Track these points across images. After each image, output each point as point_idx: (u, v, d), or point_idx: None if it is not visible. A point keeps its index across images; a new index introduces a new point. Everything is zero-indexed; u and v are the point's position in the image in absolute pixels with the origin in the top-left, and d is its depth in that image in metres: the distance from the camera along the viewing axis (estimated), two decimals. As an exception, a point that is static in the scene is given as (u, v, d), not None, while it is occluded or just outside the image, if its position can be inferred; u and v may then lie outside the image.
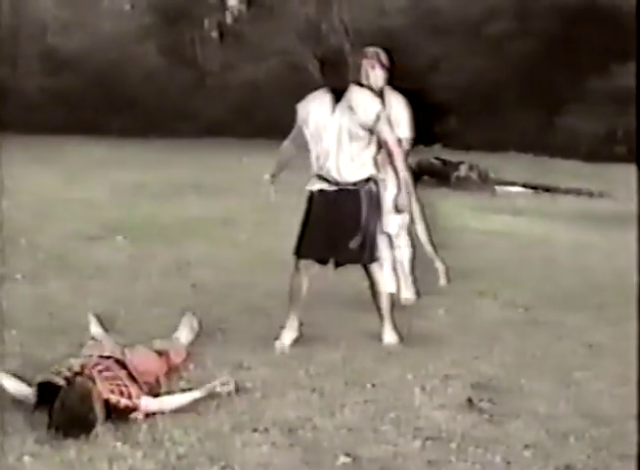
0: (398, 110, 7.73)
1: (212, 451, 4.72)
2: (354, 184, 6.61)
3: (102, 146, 25.99)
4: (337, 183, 6.61)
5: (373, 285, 6.90)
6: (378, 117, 6.56)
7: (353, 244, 6.59)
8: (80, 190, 15.90)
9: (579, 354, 6.76)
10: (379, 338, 6.89)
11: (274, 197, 6.97)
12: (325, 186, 6.64)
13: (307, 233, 6.69)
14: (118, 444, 4.76)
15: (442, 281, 8.51)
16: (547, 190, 19.71)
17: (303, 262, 6.73)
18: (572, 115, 28.92)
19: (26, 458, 4.56)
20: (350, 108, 6.51)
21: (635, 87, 24.07)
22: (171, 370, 5.88)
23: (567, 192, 19.66)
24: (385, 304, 6.94)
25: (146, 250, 10.51)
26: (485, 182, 19.77)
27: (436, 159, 22.28)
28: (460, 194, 18.33)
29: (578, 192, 19.72)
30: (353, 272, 7.15)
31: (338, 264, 6.88)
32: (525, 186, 19.77)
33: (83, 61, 34.23)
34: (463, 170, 20.35)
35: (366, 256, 6.73)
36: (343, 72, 6.59)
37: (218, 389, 5.49)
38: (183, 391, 5.51)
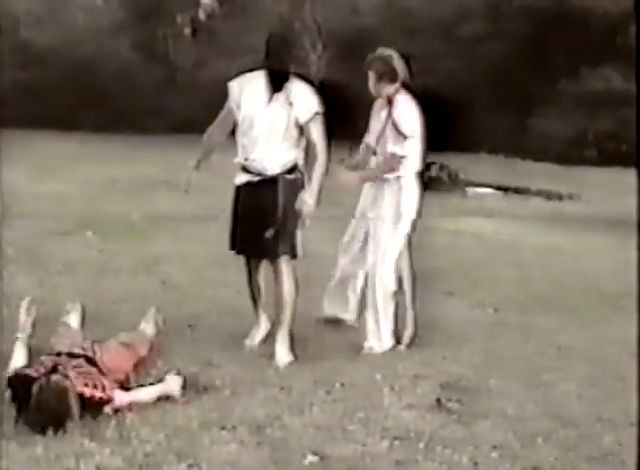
0: (406, 121, 6.81)
1: (180, 449, 4.71)
2: (276, 175, 6.38)
3: (73, 141, 25.85)
4: (259, 174, 6.37)
5: (277, 286, 6.49)
6: (313, 117, 6.37)
7: (268, 233, 6.33)
8: (51, 185, 15.81)
9: (548, 356, 6.79)
10: (348, 338, 6.89)
11: (193, 185, 6.54)
12: (250, 178, 6.41)
13: (238, 228, 6.50)
14: (86, 440, 4.74)
15: (405, 340, 6.93)
16: (517, 192, 19.80)
17: (247, 258, 6.64)
18: (543, 117, 29.04)
19: (-8, 455, 4.53)
20: (289, 102, 6.29)
21: (635, 92, 24.14)
22: (139, 363, 5.85)
23: (537, 194, 19.76)
24: (287, 309, 6.49)
25: (116, 246, 10.46)
26: (456, 183, 19.82)
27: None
28: (430, 194, 18.35)
29: (548, 194, 19.83)
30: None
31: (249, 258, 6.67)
32: (495, 188, 19.84)
33: (56, 55, 34.03)
34: (434, 171, 20.37)
35: (280, 248, 6.41)
36: (286, 61, 6.33)
37: (171, 388, 5.46)
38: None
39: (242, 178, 6.46)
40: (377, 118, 6.93)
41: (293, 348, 6.48)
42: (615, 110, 28.31)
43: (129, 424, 4.98)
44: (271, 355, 6.37)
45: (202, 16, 41.54)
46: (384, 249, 6.77)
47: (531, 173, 22.73)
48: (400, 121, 6.73)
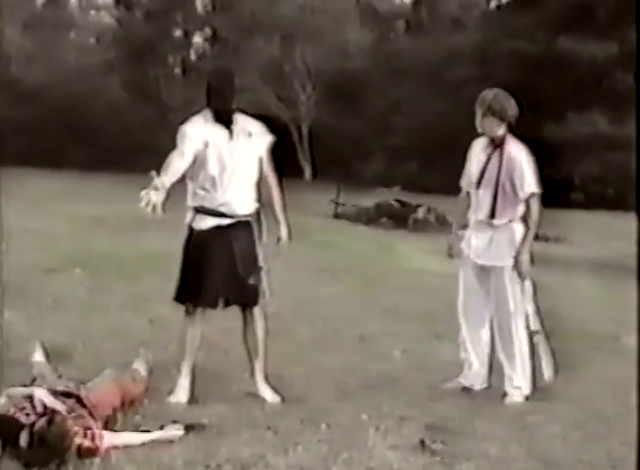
0: (518, 164, 6.68)
1: (165, 487, 4.72)
2: (247, 216, 6.25)
3: (62, 178, 25.93)
4: (232, 216, 6.20)
5: (254, 330, 6.42)
6: (268, 148, 6.33)
7: (252, 280, 6.23)
8: (40, 222, 15.82)
9: (533, 398, 6.81)
10: (336, 376, 6.90)
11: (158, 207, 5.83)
12: (219, 221, 6.19)
13: (203, 275, 6.19)
14: (71, 478, 4.75)
15: (547, 375, 6.88)
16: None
17: (199, 309, 6.34)
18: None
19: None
20: (249, 134, 6.22)
21: (635, 134, 24.29)
22: (128, 402, 5.86)
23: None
24: (263, 351, 6.46)
25: (104, 283, 10.48)
26: (443, 225, 19.92)
27: (396, 200, 22.44)
28: (418, 236, 18.44)
29: (535, 236, 19.90)
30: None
31: (227, 305, 6.40)
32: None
33: (46, 92, 34.22)
34: (421, 213, 20.51)
35: (260, 293, 6.32)
36: (230, 96, 6.22)
37: (170, 435, 5.46)
38: (138, 426, 5.50)
39: (207, 222, 6.20)
40: (479, 160, 6.82)
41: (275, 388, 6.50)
42: (601, 153, 28.53)
43: (114, 462, 4.99)
44: (256, 395, 6.39)
45: (193, 56, 41.81)
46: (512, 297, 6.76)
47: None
48: (513, 165, 6.64)
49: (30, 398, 5.17)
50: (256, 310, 6.40)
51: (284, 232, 6.43)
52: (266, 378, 6.50)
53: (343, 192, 23.93)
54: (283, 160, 6.58)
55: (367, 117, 33.58)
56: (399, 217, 20.91)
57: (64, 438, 4.88)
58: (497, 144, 6.72)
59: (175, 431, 5.45)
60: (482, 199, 6.75)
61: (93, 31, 41.64)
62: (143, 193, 5.78)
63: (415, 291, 10.50)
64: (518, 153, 6.69)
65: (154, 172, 5.88)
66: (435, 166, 30.46)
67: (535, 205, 6.75)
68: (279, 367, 6.89)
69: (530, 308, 6.85)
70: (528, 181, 6.67)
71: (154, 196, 5.78)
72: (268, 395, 6.42)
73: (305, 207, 18.40)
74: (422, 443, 5.58)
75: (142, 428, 5.51)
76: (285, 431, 5.70)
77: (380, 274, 12.67)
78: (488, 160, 6.74)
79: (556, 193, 27.92)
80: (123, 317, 8.79)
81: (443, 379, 7.04)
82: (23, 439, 4.85)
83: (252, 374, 6.52)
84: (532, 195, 6.70)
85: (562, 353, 8.27)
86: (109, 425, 5.37)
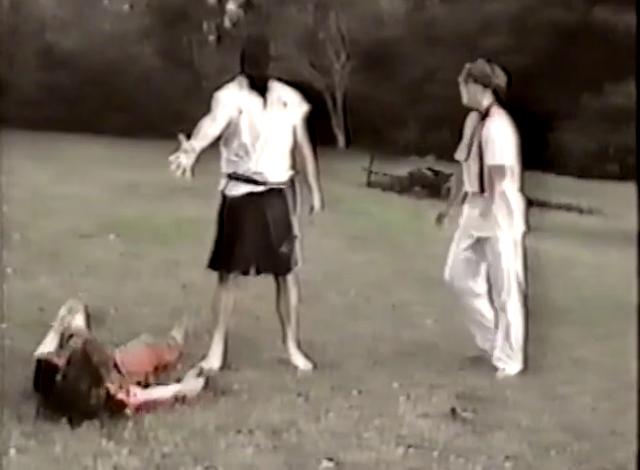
0: (490, 136, 6.55)
1: (197, 451, 4.75)
2: (281, 184, 6.25)
3: (98, 144, 26.02)
4: (264, 183, 6.19)
5: (287, 297, 6.43)
6: (303, 117, 6.32)
7: (285, 248, 6.25)
8: (75, 187, 15.91)
9: (564, 369, 6.81)
10: (368, 344, 6.91)
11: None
12: (252, 188, 6.20)
13: (237, 242, 6.19)
14: (104, 440, 4.78)
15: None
16: (537, 204, 19.77)
17: (232, 276, 6.36)
18: (565, 131, 29.01)
19: (12, 452, 4.57)
20: (284, 103, 6.21)
21: (635, 105, 24.10)
22: (162, 367, 5.90)
23: (557, 207, 19.74)
24: (295, 318, 6.47)
25: (137, 249, 10.54)
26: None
27: (429, 169, 22.33)
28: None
29: (569, 208, 19.81)
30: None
31: (259, 273, 6.40)
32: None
33: (81, 59, 34.26)
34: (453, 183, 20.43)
35: (292, 261, 6.35)
36: (265, 64, 6.20)
37: (192, 386, 5.53)
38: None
39: (240, 189, 6.21)
40: (468, 133, 6.76)
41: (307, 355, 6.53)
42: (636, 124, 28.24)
43: (147, 425, 5.03)
44: (287, 362, 6.43)
45: (227, 23, 41.72)
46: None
47: (552, 187, 22.69)
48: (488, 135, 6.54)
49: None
50: (289, 278, 6.41)
51: (317, 201, 6.43)
52: (298, 345, 6.53)
53: (377, 160, 23.84)
54: (317, 127, 6.55)
55: (401, 86, 33.40)
56: (432, 186, 20.81)
57: (99, 354, 5.06)
58: (483, 116, 6.63)
59: (196, 383, 5.55)
60: (472, 172, 6.68)
61: (127, -2, 41.67)
62: (172, 157, 5.81)
63: (445, 260, 10.44)
64: (495, 124, 6.55)
65: (182, 136, 5.88)
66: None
67: (495, 178, 6.53)
68: (311, 334, 6.92)
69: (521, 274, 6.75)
70: (490, 153, 6.52)
71: (184, 159, 5.82)
72: (300, 361, 6.44)
73: (338, 175, 18.37)
74: (453, 411, 5.59)
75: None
76: (316, 397, 5.73)
77: (412, 243, 12.65)
78: (474, 133, 6.66)
79: (591, 163, 27.80)
80: (156, 283, 8.84)
81: (474, 349, 7.04)
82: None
83: (285, 341, 6.54)
84: (491, 167, 6.54)
85: (593, 324, 8.28)
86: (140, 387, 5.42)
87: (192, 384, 5.58)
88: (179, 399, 5.40)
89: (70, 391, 4.94)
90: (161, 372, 5.87)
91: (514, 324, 6.72)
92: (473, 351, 6.95)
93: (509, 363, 6.67)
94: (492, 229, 6.61)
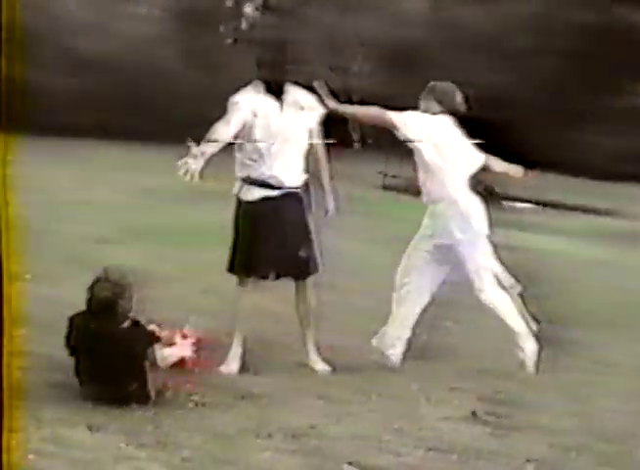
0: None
1: (216, 455, 4.75)
2: (296, 188, 6.26)
3: (116, 148, 26.08)
4: (280, 187, 6.21)
5: (306, 300, 6.44)
6: (319, 120, 6.33)
7: (303, 252, 6.25)
8: (96, 192, 15.93)
9: (588, 370, 6.77)
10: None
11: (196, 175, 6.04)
12: (267, 192, 6.22)
13: (254, 247, 6.21)
14: (123, 444, 4.79)
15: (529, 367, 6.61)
16: (554, 206, 19.71)
17: (251, 280, 6.38)
18: (584, 132, 28.88)
19: (31, 457, 4.57)
20: (301, 107, 6.21)
21: None
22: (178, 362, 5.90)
23: (575, 209, 19.66)
24: (313, 322, 6.48)
25: (156, 253, 10.54)
26: (491, 196, 19.74)
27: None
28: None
29: (586, 209, 19.73)
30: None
31: (278, 277, 6.40)
32: (530, 202, 19.76)
33: (99, 63, 34.34)
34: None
35: (312, 266, 6.36)
36: (280, 68, 6.24)
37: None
38: (189, 396, 5.56)
39: (255, 193, 6.22)
40: None
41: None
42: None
43: (167, 429, 5.04)
44: (307, 365, 6.41)
45: (244, 26, 41.75)
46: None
47: (569, 188, 22.61)
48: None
49: None
50: (308, 281, 6.42)
51: (331, 204, 6.43)
52: (318, 348, 6.51)
53: (393, 163, 23.77)
54: (332, 128, 6.54)
55: (421, 88, 33.30)
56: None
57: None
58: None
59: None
60: (422, 181, 6.71)
61: (146, 2, 41.75)
62: (181, 162, 5.93)
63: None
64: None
65: (191, 142, 5.99)
66: (488, 138, 30.22)
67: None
68: (331, 337, 6.90)
69: (497, 267, 6.65)
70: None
71: (192, 164, 5.95)
72: (319, 365, 6.43)
73: (354, 177, 18.35)
74: (473, 414, 5.57)
75: (193, 398, 5.55)
76: (336, 400, 5.72)
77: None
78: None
79: (610, 165, 27.66)
80: (177, 286, 8.84)
81: (495, 350, 7.01)
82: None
83: (304, 344, 6.53)
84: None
85: (616, 326, 8.23)
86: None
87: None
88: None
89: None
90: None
91: (508, 315, 6.62)
92: (493, 353, 6.92)
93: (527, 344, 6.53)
94: (449, 237, 6.56)
